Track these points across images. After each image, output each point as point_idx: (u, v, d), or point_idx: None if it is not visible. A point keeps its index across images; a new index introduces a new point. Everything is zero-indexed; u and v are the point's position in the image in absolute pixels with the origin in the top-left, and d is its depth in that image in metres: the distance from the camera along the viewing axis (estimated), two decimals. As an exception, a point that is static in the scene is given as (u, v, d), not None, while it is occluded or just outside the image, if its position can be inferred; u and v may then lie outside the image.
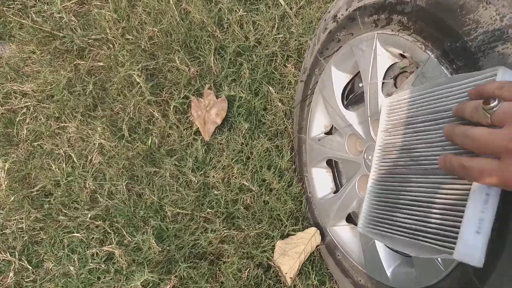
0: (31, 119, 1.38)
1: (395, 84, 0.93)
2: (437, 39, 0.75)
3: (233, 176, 1.27)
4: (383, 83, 0.92)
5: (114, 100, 1.35)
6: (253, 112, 1.34)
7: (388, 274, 0.95)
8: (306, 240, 1.20)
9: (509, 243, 0.65)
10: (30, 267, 1.20)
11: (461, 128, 0.54)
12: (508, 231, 0.65)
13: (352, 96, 1.09)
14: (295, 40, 1.41)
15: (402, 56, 0.87)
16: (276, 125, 1.34)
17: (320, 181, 1.23)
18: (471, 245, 0.44)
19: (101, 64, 1.38)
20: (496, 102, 0.45)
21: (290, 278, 1.17)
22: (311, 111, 1.20)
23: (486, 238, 0.44)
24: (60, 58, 1.42)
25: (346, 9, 0.99)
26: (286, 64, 1.40)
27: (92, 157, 1.28)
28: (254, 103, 1.35)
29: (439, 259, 0.80)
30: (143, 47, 1.37)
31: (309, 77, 1.19)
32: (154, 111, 1.30)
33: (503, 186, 0.45)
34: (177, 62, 1.33)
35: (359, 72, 1.00)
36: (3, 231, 1.26)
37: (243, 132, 1.31)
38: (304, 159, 1.26)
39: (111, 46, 1.40)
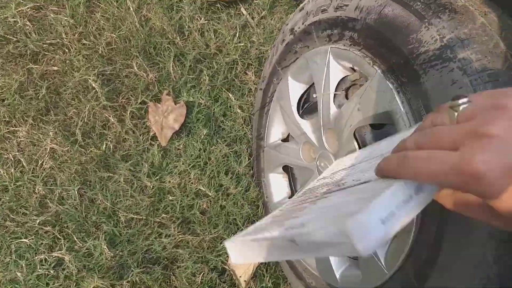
0: (-21, 122, 1.32)
1: (346, 96, 0.97)
2: (384, 56, 0.80)
3: (189, 181, 1.27)
4: (335, 94, 0.96)
5: (68, 104, 1.32)
6: (212, 118, 1.36)
7: (337, 276, 0.99)
8: (261, 245, 1.22)
9: (445, 247, 0.71)
10: (-27, 275, 1.15)
11: (400, 152, 0.41)
12: (443, 237, 0.70)
13: (307, 105, 1.13)
14: (256, 49, 1.44)
15: (353, 69, 0.92)
16: (235, 131, 1.36)
17: (277, 186, 1.26)
18: (367, 226, 0.36)
19: (55, 68, 1.34)
20: (465, 99, 0.38)
21: (245, 281, 1.19)
22: (269, 118, 1.23)
23: (387, 234, 0.37)
24: (12, 62, 1.37)
25: (303, 23, 1.03)
26: (247, 72, 1.43)
27: (43, 161, 1.24)
28: (214, 109, 1.36)
29: (382, 262, 0.85)
30: (100, 52, 1.34)
31: (268, 86, 1.22)
32: (109, 116, 1.29)
33: (453, 180, 0.34)
34: (135, 68, 1.32)
35: (313, 83, 1.05)
36: None
37: (202, 137, 1.31)
38: (261, 165, 1.29)
39: (66, 51, 1.37)
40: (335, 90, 0.96)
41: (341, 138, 0.93)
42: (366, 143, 0.90)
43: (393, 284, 0.83)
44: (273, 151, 1.22)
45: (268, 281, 1.23)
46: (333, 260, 1.01)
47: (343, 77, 0.96)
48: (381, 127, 0.88)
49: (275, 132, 1.24)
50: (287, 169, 1.25)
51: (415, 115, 0.73)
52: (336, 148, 0.97)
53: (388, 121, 0.81)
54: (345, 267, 1.00)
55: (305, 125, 1.07)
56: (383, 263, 0.84)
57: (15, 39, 1.33)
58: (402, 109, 0.75)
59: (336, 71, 0.95)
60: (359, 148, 0.90)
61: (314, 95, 1.09)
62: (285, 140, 1.23)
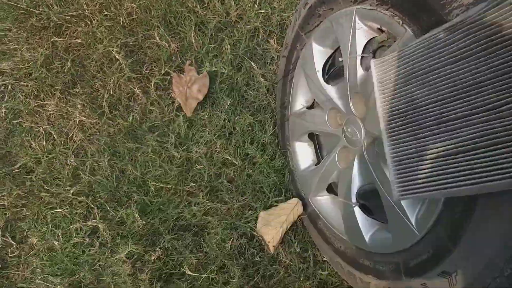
0: (10, 97, 1.35)
1: (374, 57, 0.95)
2: (413, 14, 0.77)
3: (216, 151, 1.29)
4: (362, 57, 0.94)
5: (93, 77, 1.33)
6: (235, 88, 1.35)
7: (367, 239, 1.00)
8: (288, 211, 1.24)
9: (479, 205, 0.70)
10: (14, 243, 1.21)
11: None
12: (477, 197, 0.69)
13: (333, 70, 1.12)
14: (277, 15, 1.41)
15: (381, 30, 0.90)
16: (259, 100, 1.36)
17: (302, 154, 1.26)
18: None
19: (79, 41, 1.35)
20: None
21: (273, 246, 1.22)
22: (293, 86, 1.22)
23: None
24: (37, 35, 1.39)
25: (326, -16, 1.00)
26: (269, 40, 1.40)
27: (72, 134, 1.28)
28: (237, 78, 1.35)
29: (413, 224, 0.85)
30: (121, 23, 1.34)
31: (291, 52, 1.21)
32: (134, 88, 1.30)
33: None
34: (157, 38, 1.32)
35: (339, 47, 1.03)
36: (-16, 209, 1.26)
37: (226, 107, 1.32)
38: (286, 133, 1.29)
39: (88, 22, 1.37)
40: (362, 53, 0.94)
41: (368, 102, 0.91)
42: (395, 105, 0.89)
43: (425, 245, 0.83)
44: (298, 119, 1.22)
45: (297, 246, 1.25)
46: (362, 224, 1.01)
47: (370, 39, 0.93)
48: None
49: (300, 99, 1.23)
50: (312, 137, 1.25)
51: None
52: (363, 112, 0.96)
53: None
54: (374, 230, 1.00)
55: (331, 90, 1.06)
56: (414, 225, 0.84)
57: (37, 11, 1.34)
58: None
59: (363, 33, 0.93)
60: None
61: (340, 59, 1.07)
62: (310, 107, 1.22)
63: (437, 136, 0.64)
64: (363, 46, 0.94)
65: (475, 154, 0.59)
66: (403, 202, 0.87)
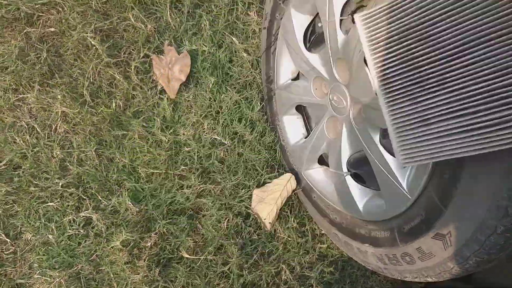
0: (-13, 93, 1.32)
1: (353, 20, 0.91)
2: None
3: (204, 131, 1.26)
4: (341, 20, 0.91)
5: (71, 66, 1.30)
6: (218, 66, 1.32)
7: (361, 208, 0.99)
8: (281, 186, 1.22)
9: (467, 164, 0.68)
10: (8, 240, 1.20)
11: None
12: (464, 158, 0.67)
13: (314, 37, 1.08)
14: (255, -14, 1.36)
15: (358, -10, 0.86)
16: (243, 76, 1.32)
17: (292, 128, 1.23)
18: None
19: (52, 29, 1.31)
20: None
21: (269, 223, 1.21)
22: (277, 58, 1.18)
23: None
24: (8, 27, 1.35)
25: None
26: (248, 12, 1.36)
27: (56, 126, 1.25)
28: (219, 55, 1.32)
29: (405, 188, 0.83)
30: (94, 7, 1.30)
31: (271, 23, 1.17)
32: (114, 73, 1.26)
33: None
34: (132, 20, 1.27)
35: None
36: (-25, 209, 1.25)
37: (210, 86, 1.29)
38: (274, 108, 1.26)
39: (60, 9, 1.32)
40: (341, 15, 0.90)
41: (351, 67, 0.88)
42: (379, 68, 0.85)
43: (417, 209, 0.82)
44: (284, 92, 1.19)
45: (293, 221, 1.24)
46: (355, 193, 1.00)
47: (348, 0, 0.89)
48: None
49: (284, 72, 1.19)
50: (300, 109, 1.22)
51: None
52: (347, 78, 0.93)
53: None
54: (368, 198, 0.99)
55: (314, 58, 1.02)
56: (405, 189, 0.83)
57: (5, 2, 1.30)
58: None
59: (340, -5, 0.89)
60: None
61: (320, 25, 1.03)
62: (296, 79, 1.19)
63: (440, 97, 0.58)
64: (341, 8, 0.90)
65: (480, 113, 0.53)
66: (392, 167, 0.85)
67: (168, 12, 1.29)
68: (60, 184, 1.20)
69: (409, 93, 0.62)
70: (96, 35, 1.27)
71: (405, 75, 0.62)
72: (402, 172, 0.84)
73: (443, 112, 0.57)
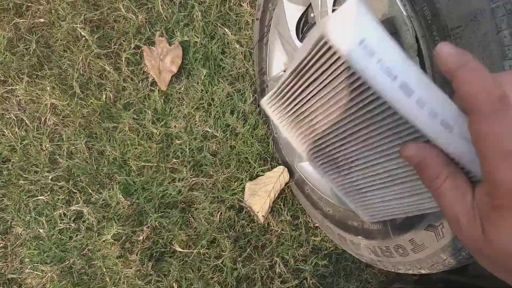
0: (-25, 85, 1.30)
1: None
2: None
3: (195, 124, 1.25)
4: (333, 10, 0.89)
5: (61, 57, 1.28)
6: (210, 57, 1.30)
7: (353, 201, 0.98)
8: (274, 179, 1.21)
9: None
10: (-2, 235, 1.19)
11: None
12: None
13: (306, 28, 1.06)
14: (247, -24, 1.34)
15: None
16: (236, 68, 1.31)
17: (285, 120, 1.22)
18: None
19: (42, 20, 1.28)
20: None
21: (262, 216, 1.20)
22: (269, 49, 1.17)
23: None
24: (-3, 18, 1.32)
25: None
26: (241, 3, 1.34)
27: (45, 118, 1.23)
28: (211, 47, 1.30)
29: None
30: (84, -3, 1.28)
31: (264, 14, 1.15)
32: (105, 65, 1.24)
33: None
34: (123, 10, 1.25)
35: (311, 2, 0.97)
36: (-35, 203, 1.23)
37: (202, 78, 1.27)
38: (267, 101, 1.24)
39: (50, 0, 1.30)
40: (333, 6, 0.89)
41: (344, 57, 0.87)
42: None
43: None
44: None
45: (287, 214, 1.23)
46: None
47: (341, -10, 0.88)
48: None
49: (277, 63, 1.18)
50: (293, 100, 1.21)
51: (419, 18, 0.66)
52: (340, 69, 0.91)
53: (390, 30, 0.74)
54: (360, 190, 0.98)
55: (306, 49, 1.01)
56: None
57: (-6, -7, 1.28)
58: (404, 13, 0.68)
59: (333, -16, 0.87)
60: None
61: (312, 15, 1.02)
62: (288, 70, 1.18)
63: (355, 174, 0.51)
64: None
65: (390, 192, 0.48)
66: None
67: (160, 3, 1.27)
68: (50, 177, 1.19)
69: (332, 168, 0.58)
70: (86, 25, 1.24)
71: (319, 154, 0.58)
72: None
73: (366, 184, 0.54)
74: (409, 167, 0.38)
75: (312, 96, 0.42)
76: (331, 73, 0.35)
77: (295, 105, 0.47)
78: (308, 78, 0.39)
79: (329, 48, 0.32)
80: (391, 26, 0.71)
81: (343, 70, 0.33)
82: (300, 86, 0.42)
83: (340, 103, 0.38)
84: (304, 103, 0.45)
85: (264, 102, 0.53)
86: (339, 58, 0.32)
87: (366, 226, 0.97)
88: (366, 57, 0.30)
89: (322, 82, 0.37)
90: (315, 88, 0.40)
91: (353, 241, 1.03)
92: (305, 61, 0.37)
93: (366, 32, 0.30)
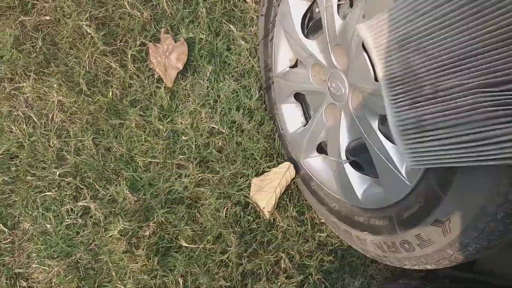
0: (-17, 83, 1.31)
1: (350, 4, 0.90)
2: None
3: (201, 120, 1.25)
4: (339, 5, 0.89)
5: (67, 54, 1.28)
6: (216, 54, 1.30)
7: (359, 196, 0.98)
8: (280, 175, 1.21)
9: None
10: (6, 230, 1.20)
11: None
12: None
13: (312, 24, 1.06)
14: (252, -28, 1.34)
15: (356, -27, 0.84)
16: (241, 65, 1.31)
17: (291, 116, 1.22)
18: None
19: (47, 18, 1.29)
20: None
21: (268, 212, 1.20)
22: (275, 46, 1.17)
23: None
24: (3, 16, 1.33)
25: None
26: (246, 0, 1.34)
27: (53, 115, 1.24)
28: (216, 43, 1.30)
29: (403, 174, 0.82)
30: (89, -6, 1.28)
31: (269, 10, 1.15)
32: (111, 62, 1.25)
33: None
34: (128, 7, 1.25)
35: (316, -3, 0.97)
36: (-28, 197, 1.24)
37: (208, 75, 1.27)
38: (273, 97, 1.25)
39: (55, -3, 1.31)
40: (338, 0, 0.89)
41: (349, 53, 0.87)
42: (378, 53, 0.84)
43: (416, 196, 0.81)
44: (283, 80, 1.17)
45: (292, 210, 1.23)
46: (353, 181, 0.99)
47: (346, -15, 0.88)
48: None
49: (283, 59, 1.18)
50: (299, 97, 1.21)
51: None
52: (345, 64, 0.91)
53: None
54: (366, 186, 0.98)
55: (312, 45, 1.01)
56: (404, 176, 0.82)
57: (-1, -10, 1.29)
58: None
59: (339, -22, 0.87)
60: (370, 60, 0.84)
61: (317, 10, 1.01)
62: (294, 67, 1.18)
63: (435, 105, 0.59)
64: (340, -8, 0.89)
65: (471, 127, 0.54)
66: (391, 153, 0.84)
67: (165, 0, 1.27)
68: (58, 173, 1.20)
69: (409, 98, 0.63)
70: (92, 23, 1.25)
71: (405, 81, 0.63)
72: (401, 159, 0.83)
73: (437, 120, 0.58)
74: None
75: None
76: None
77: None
78: None
79: None
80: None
81: None
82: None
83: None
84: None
85: (364, 26, 0.65)
86: None
87: (373, 222, 0.97)
88: None
89: None
90: None
91: (359, 237, 1.03)
92: None
93: None
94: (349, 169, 1.00)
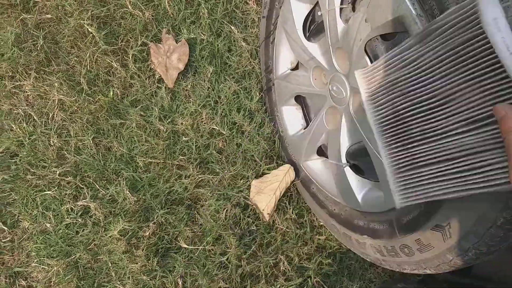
0: (-16, 80, 1.31)
1: (353, 9, 0.90)
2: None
3: (202, 121, 1.25)
4: (341, 9, 0.89)
5: (68, 53, 1.28)
6: (217, 55, 1.30)
7: (359, 200, 0.98)
8: (280, 177, 1.21)
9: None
10: (6, 228, 1.20)
11: None
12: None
13: (313, 27, 1.06)
14: (254, -26, 1.34)
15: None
16: (242, 66, 1.31)
17: (291, 118, 1.22)
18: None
19: (49, 16, 1.29)
20: None
21: (268, 214, 1.20)
22: (276, 48, 1.17)
23: None
24: (4, 14, 1.33)
25: None
26: (247, 1, 1.34)
27: (53, 114, 1.24)
28: (217, 44, 1.30)
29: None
30: (91, -7, 1.28)
31: (270, 12, 1.15)
32: (112, 62, 1.25)
33: None
34: (130, 7, 1.25)
35: (318, 0, 0.97)
36: (-29, 195, 1.24)
37: (209, 76, 1.27)
38: (274, 99, 1.24)
39: (57, -5, 1.31)
40: (341, 4, 0.89)
41: (351, 56, 0.87)
42: (379, 56, 0.84)
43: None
44: (284, 82, 1.17)
45: (292, 212, 1.23)
46: (354, 184, 0.99)
47: (349, -12, 0.88)
48: (393, 37, 0.82)
49: (283, 61, 1.18)
50: (299, 100, 1.21)
51: (428, 17, 0.66)
52: (347, 68, 0.91)
53: (399, 29, 0.74)
54: (366, 190, 0.98)
55: (313, 48, 1.01)
56: (404, 181, 0.82)
57: (0, -11, 1.28)
58: (413, 11, 0.68)
59: (340, -17, 0.87)
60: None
61: (319, 13, 1.01)
62: (295, 69, 1.18)
63: (423, 146, 0.65)
64: (342, -4, 0.88)
65: (458, 163, 0.60)
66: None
67: (166, 0, 1.27)
68: (58, 172, 1.20)
69: (399, 140, 0.70)
70: (93, 22, 1.25)
71: (394, 124, 0.70)
72: (401, 164, 0.83)
73: (428, 158, 0.65)
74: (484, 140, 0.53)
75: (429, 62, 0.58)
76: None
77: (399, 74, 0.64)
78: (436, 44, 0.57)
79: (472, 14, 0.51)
80: (400, 25, 0.71)
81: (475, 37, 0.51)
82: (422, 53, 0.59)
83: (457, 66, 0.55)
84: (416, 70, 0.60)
85: (359, 72, 0.74)
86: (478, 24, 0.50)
87: (372, 225, 0.97)
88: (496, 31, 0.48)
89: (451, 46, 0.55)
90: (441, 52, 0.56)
91: (358, 240, 1.03)
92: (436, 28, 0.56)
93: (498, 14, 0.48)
94: (349, 173, 1.00)
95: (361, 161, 0.99)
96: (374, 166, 0.90)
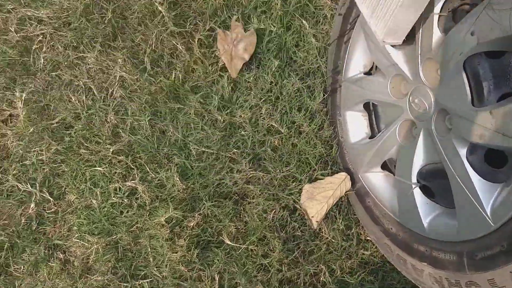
0: (48, 47, 1.30)
1: (453, 18, 0.82)
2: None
3: (261, 116, 1.20)
4: (439, 16, 0.81)
5: (135, 30, 1.26)
6: (284, 49, 1.24)
7: (425, 224, 0.91)
8: (335, 185, 1.15)
9: None
10: (51, 199, 1.20)
11: None
12: None
13: (400, 32, 0.98)
14: (333, -33, 1.27)
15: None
16: (308, 63, 1.25)
17: (355, 125, 1.15)
18: None
19: (120, -11, 1.27)
20: None
21: (317, 221, 1.15)
22: (350, 48, 1.10)
23: None
24: (76, -18, 1.32)
25: None
26: (322, -4, 1.27)
27: (113, 90, 1.22)
28: (286, 38, 1.24)
29: (488, 213, 0.74)
30: (165, -29, 1.25)
31: (349, 10, 1.08)
32: (177, 44, 1.21)
33: None
34: (203, -11, 1.21)
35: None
36: (23, 162, 1.24)
37: (273, 70, 1.22)
38: (337, 102, 1.18)
39: (130, -31, 1.28)
40: (440, 11, 0.81)
41: (445, 70, 0.79)
42: (479, 76, 0.76)
43: (499, 238, 0.73)
44: (354, 85, 1.10)
45: (341, 223, 1.17)
46: (421, 206, 0.92)
47: (451, -5, 0.80)
48: (500, 55, 0.74)
49: (356, 64, 1.11)
50: (367, 106, 1.14)
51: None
52: (436, 82, 0.83)
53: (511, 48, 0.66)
54: (435, 214, 0.91)
55: (396, 54, 0.93)
56: (488, 214, 0.74)
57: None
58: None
59: (443, -13, 0.79)
60: (468, 82, 0.76)
61: (413, 18, 0.93)
62: (368, 73, 1.10)
63: None
64: (442, 3, 0.81)
65: None
66: (477, 187, 0.76)
67: (241, -14, 1.22)
68: (111, 150, 1.18)
69: None
70: (164, 1, 1.21)
71: None
72: (487, 195, 0.75)
73: None
74: None
75: None
76: None
77: None
78: None
79: None
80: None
81: None
82: None
83: None
84: None
85: None
86: None
87: (436, 254, 0.89)
88: None
89: None
90: None
91: (415, 266, 0.96)
92: None
93: None
94: (417, 194, 0.93)
95: (434, 183, 0.92)
96: (453, 192, 0.82)
